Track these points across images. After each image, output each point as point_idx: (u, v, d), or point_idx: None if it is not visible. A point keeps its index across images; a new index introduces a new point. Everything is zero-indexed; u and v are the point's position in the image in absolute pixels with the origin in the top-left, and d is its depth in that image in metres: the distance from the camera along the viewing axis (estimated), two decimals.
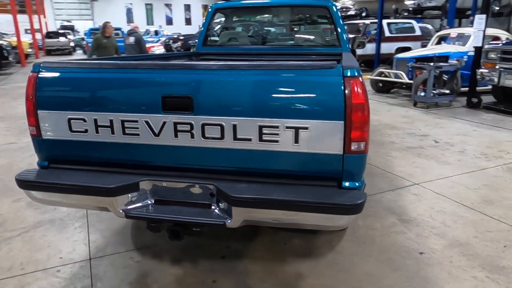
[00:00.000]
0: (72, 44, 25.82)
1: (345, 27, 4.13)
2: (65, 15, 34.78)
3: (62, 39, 24.85)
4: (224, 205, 1.99)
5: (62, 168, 2.18)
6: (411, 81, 8.04)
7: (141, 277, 2.46)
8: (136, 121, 2.00)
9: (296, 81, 1.87)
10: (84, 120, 2.07)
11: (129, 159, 2.13)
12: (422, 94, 7.53)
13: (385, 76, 9.15)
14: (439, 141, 5.28)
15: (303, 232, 2.93)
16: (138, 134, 2.03)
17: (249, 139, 1.91)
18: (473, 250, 2.69)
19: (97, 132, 2.07)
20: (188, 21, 36.94)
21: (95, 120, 2.05)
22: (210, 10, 4.38)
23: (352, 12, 20.73)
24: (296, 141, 1.87)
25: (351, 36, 5.44)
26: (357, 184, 1.92)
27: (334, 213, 1.77)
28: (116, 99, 2.05)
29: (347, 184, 1.91)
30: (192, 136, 1.96)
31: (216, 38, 4.70)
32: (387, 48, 12.71)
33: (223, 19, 4.89)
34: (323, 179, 1.93)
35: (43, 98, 2.11)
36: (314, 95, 1.85)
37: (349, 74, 1.79)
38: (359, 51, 11.50)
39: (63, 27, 31.48)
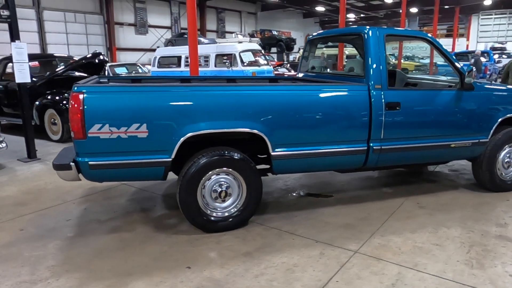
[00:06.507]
0: None
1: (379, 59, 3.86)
2: (489, 37, 34.01)
3: None
4: None
5: None
6: None
7: (138, 201, 4.70)
8: None
9: None
10: None
11: None
12: None
13: None
14: None
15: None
16: None
17: None
18: None
19: None
20: None
21: None
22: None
23: None
24: None
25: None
26: (78, 159, 3.25)
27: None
28: None
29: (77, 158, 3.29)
30: None
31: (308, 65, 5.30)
32: None
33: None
34: None
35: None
36: None
37: (76, 90, 3.13)
38: None
39: (493, 48, 31.10)
